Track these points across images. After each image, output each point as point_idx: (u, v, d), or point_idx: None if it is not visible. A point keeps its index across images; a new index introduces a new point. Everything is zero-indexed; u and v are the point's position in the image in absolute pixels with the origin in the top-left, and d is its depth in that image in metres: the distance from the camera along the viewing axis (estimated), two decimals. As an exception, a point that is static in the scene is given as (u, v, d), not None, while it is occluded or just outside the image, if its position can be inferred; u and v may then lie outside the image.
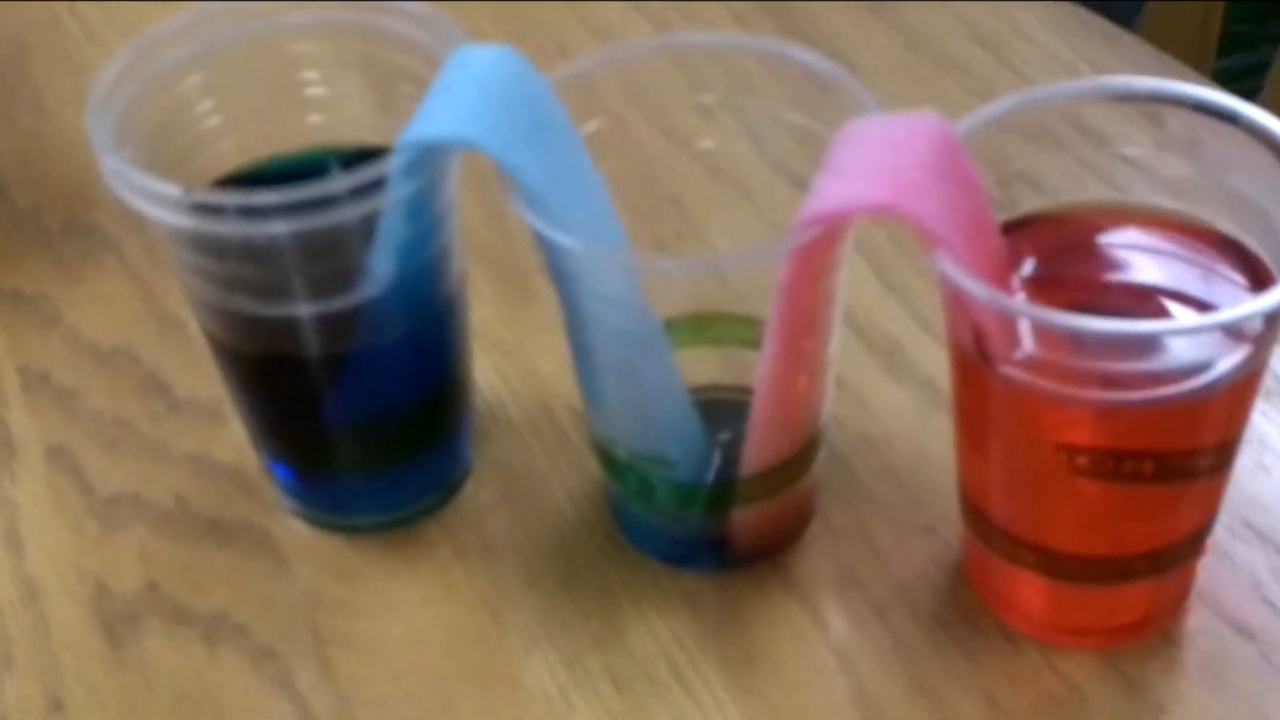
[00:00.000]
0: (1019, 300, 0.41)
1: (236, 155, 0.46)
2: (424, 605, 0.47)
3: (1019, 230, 0.43)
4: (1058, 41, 0.65)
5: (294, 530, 0.49)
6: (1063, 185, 0.44)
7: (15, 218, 0.60)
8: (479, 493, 0.50)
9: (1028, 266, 0.42)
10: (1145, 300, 0.43)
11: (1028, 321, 0.40)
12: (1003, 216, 0.43)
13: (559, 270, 0.43)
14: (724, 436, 0.45)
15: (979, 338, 0.40)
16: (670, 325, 0.44)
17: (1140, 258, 0.43)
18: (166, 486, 0.50)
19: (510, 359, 0.53)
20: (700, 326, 0.46)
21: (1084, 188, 0.44)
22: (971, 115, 0.42)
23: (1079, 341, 0.39)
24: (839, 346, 0.45)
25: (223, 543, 0.49)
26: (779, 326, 0.42)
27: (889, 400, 0.52)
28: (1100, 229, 0.44)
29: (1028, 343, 0.40)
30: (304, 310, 0.43)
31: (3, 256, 0.58)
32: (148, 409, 0.53)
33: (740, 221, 0.50)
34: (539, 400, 0.52)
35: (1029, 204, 0.44)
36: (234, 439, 0.50)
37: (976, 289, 0.39)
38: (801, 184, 0.44)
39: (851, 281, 0.44)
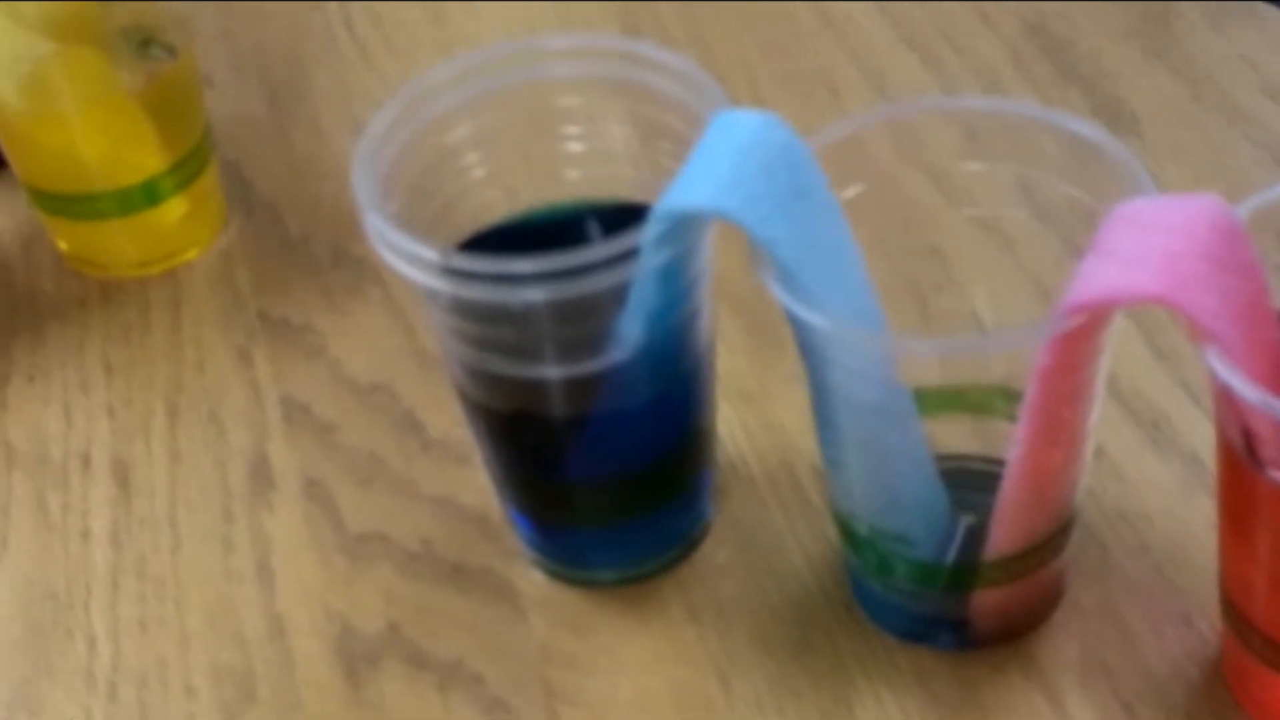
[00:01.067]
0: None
1: (497, 207, 0.47)
2: (654, 665, 0.47)
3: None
4: (1356, 95, 0.61)
5: (533, 580, 0.50)
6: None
7: (288, 244, 0.61)
8: (716, 551, 0.50)
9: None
10: None
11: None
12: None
13: (807, 344, 0.42)
14: (969, 519, 0.44)
15: (1249, 438, 0.38)
16: (920, 394, 0.43)
17: None
18: (413, 527, 0.51)
19: (755, 411, 0.53)
20: (953, 396, 0.45)
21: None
22: (1262, 192, 0.40)
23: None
24: (1099, 418, 0.43)
25: (463, 588, 0.49)
26: (1035, 411, 0.40)
27: (1150, 475, 0.49)
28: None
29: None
30: (552, 372, 0.44)
31: (276, 284, 0.60)
32: (401, 447, 0.53)
33: (1002, 277, 0.48)
34: (781, 457, 0.51)
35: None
36: (481, 482, 0.51)
37: (1248, 391, 0.36)
38: (1068, 242, 0.43)
39: (1118, 344, 0.42)
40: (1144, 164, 0.42)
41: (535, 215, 0.47)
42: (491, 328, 0.43)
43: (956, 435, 0.45)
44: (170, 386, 0.57)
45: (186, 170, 0.60)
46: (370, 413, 0.55)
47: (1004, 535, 0.43)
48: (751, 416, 0.53)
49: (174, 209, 0.60)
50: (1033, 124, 0.44)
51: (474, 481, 0.51)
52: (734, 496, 0.51)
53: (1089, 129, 0.43)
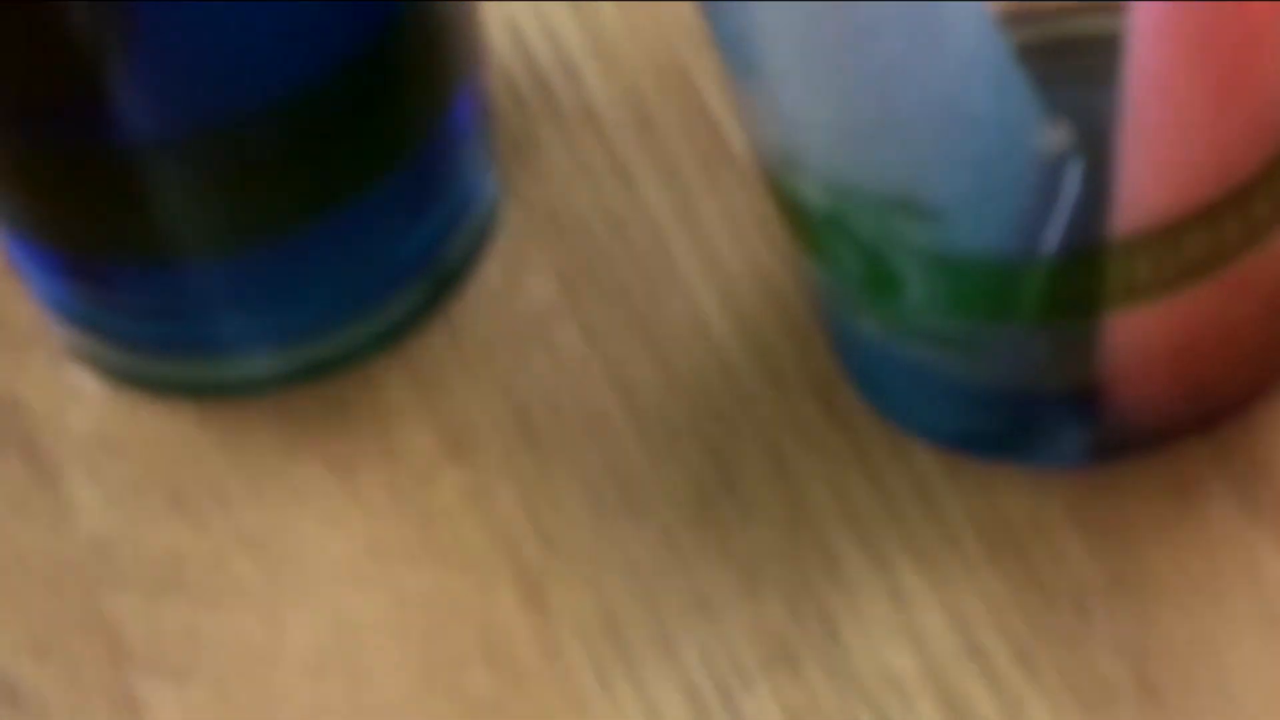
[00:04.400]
0: None
1: None
2: (364, 560, 0.38)
3: None
4: None
5: (82, 401, 0.42)
6: None
7: None
8: (498, 286, 0.41)
9: None
10: None
11: None
12: None
13: None
14: (1081, 156, 0.35)
15: None
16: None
17: None
18: None
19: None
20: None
21: None
22: None
23: None
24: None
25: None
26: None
27: None
28: None
29: None
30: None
31: None
32: None
33: None
34: (651, 52, 0.44)
35: None
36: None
37: None
38: None
39: None
40: None
41: None
42: None
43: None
44: None
45: None
46: None
47: (1147, 176, 0.35)
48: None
49: None
50: None
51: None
52: (542, 159, 0.43)
53: None
